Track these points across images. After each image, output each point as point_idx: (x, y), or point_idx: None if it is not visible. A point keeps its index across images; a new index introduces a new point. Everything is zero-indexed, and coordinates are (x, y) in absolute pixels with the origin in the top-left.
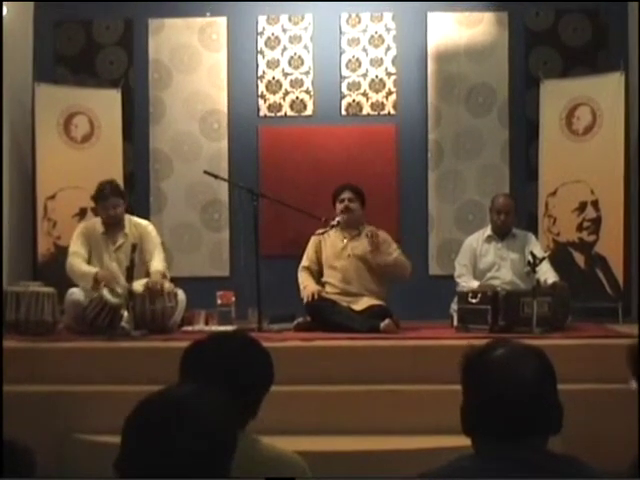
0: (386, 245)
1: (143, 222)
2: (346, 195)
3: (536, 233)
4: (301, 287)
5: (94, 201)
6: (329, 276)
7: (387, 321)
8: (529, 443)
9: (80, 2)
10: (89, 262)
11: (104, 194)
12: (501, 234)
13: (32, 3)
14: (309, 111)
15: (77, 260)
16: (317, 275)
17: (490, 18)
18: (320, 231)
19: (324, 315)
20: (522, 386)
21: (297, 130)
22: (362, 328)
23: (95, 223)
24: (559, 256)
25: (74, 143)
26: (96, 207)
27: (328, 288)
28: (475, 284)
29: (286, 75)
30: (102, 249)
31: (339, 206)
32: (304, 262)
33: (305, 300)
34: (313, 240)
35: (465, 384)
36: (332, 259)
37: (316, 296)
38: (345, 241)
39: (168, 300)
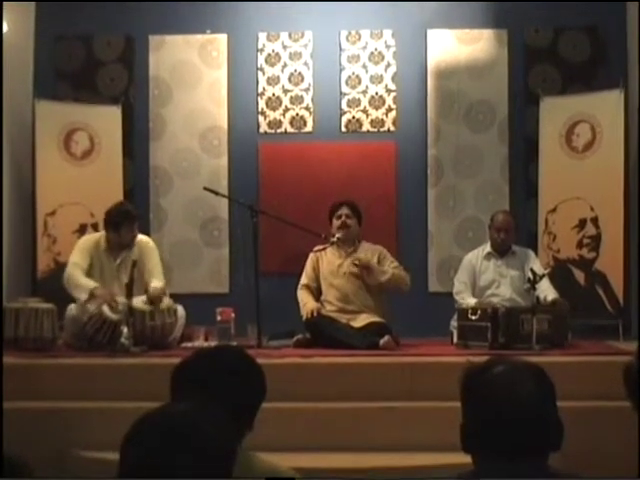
0: (383, 261)
1: (144, 238)
2: (343, 211)
3: (536, 250)
4: (300, 305)
5: (116, 225)
6: (327, 294)
7: (386, 338)
8: (529, 461)
9: (81, 19)
10: (89, 276)
11: (131, 216)
12: (501, 251)
13: (33, 19)
14: (309, 128)
15: (76, 271)
16: (316, 293)
17: (490, 35)
18: (318, 248)
19: (323, 332)
20: (522, 404)
21: (297, 147)
22: (361, 345)
23: (99, 238)
24: (559, 273)
25: (74, 159)
26: (117, 231)
27: (327, 306)
28: (473, 301)
29: (286, 92)
30: (104, 265)
31: (336, 222)
32: (303, 280)
33: (304, 317)
34: (311, 258)
35: (465, 402)
36: (330, 277)
37: (315, 313)
38: (342, 259)
39: (168, 316)
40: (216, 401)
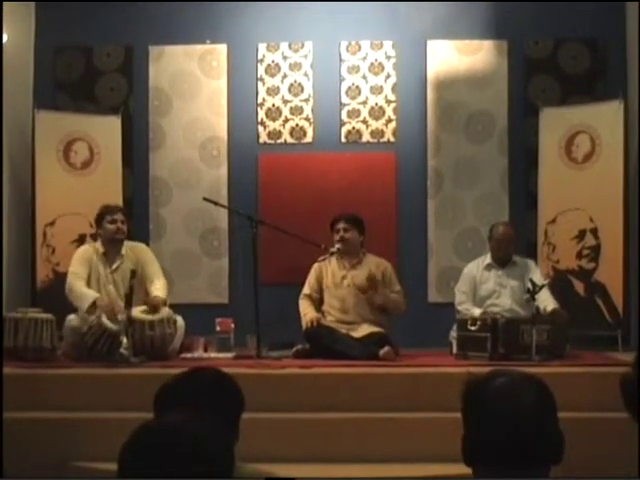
0: (389, 283)
1: (139, 245)
2: (341, 225)
3: (535, 261)
4: (302, 315)
5: (99, 219)
6: (328, 304)
7: (386, 348)
8: (531, 473)
9: (80, 29)
10: (88, 284)
11: (112, 209)
12: (501, 262)
13: (33, 30)
14: (309, 138)
15: (77, 282)
16: (318, 303)
17: (489, 46)
18: (322, 258)
19: (323, 342)
20: (523, 416)
21: (297, 157)
22: (361, 355)
23: (95, 246)
24: (558, 284)
25: (74, 169)
26: (100, 225)
27: (327, 316)
28: (477, 311)
29: (286, 102)
30: (100, 270)
31: (335, 236)
32: (305, 290)
33: (304, 327)
34: (314, 268)
35: (465, 414)
36: (332, 288)
37: (315, 323)
38: (345, 270)
39: (167, 326)
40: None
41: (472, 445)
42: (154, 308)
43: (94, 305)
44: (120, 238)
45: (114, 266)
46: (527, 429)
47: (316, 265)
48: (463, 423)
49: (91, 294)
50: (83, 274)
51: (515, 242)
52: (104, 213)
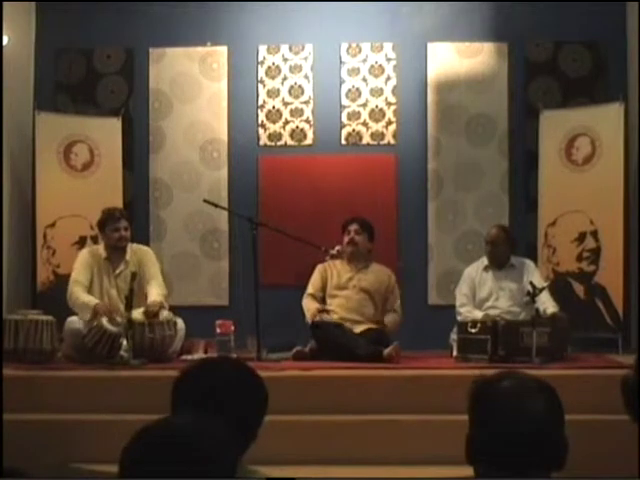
0: (390, 295)
1: (143, 247)
2: (352, 227)
3: (536, 263)
4: (305, 310)
5: (102, 225)
6: (331, 304)
7: (390, 348)
8: (531, 475)
9: (81, 31)
10: (90, 287)
11: (115, 216)
12: (498, 264)
13: (33, 31)
14: (309, 140)
15: (78, 289)
16: (321, 302)
17: (490, 48)
18: (326, 259)
19: (328, 335)
20: (529, 419)
21: (297, 159)
22: (365, 352)
23: (98, 249)
24: (559, 286)
25: (74, 171)
26: (103, 231)
27: (332, 314)
28: (478, 314)
29: (286, 104)
30: (103, 275)
31: (345, 238)
32: (309, 290)
33: (310, 320)
34: (319, 268)
35: (472, 414)
36: (336, 289)
37: (321, 311)
38: (352, 272)
39: (167, 329)
40: (219, 413)
41: (476, 444)
42: (152, 316)
43: (95, 312)
44: (123, 246)
45: (117, 271)
46: (531, 431)
47: (320, 266)
48: (469, 422)
49: (91, 301)
50: (84, 280)
51: (512, 245)
52: (106, 220)
